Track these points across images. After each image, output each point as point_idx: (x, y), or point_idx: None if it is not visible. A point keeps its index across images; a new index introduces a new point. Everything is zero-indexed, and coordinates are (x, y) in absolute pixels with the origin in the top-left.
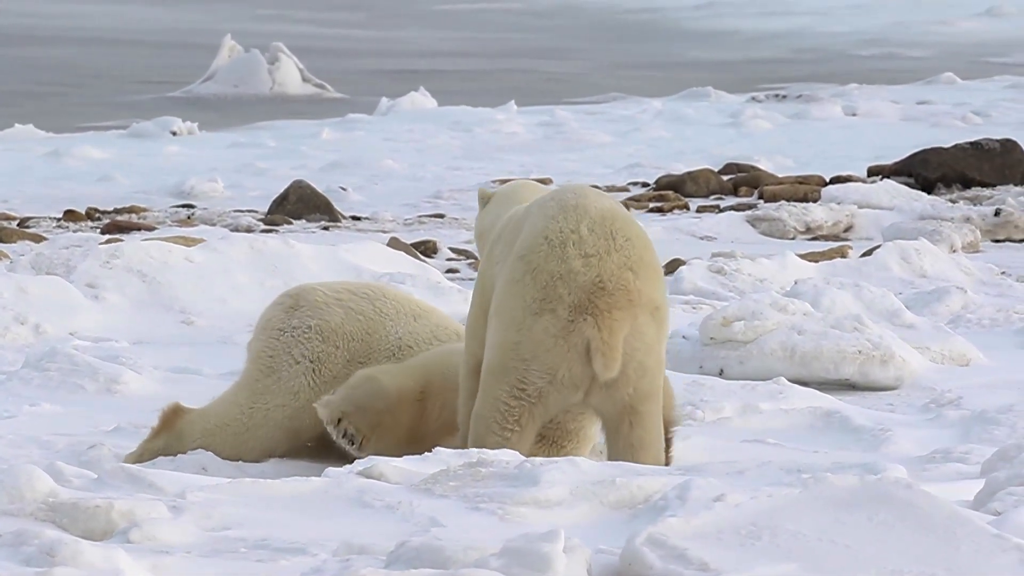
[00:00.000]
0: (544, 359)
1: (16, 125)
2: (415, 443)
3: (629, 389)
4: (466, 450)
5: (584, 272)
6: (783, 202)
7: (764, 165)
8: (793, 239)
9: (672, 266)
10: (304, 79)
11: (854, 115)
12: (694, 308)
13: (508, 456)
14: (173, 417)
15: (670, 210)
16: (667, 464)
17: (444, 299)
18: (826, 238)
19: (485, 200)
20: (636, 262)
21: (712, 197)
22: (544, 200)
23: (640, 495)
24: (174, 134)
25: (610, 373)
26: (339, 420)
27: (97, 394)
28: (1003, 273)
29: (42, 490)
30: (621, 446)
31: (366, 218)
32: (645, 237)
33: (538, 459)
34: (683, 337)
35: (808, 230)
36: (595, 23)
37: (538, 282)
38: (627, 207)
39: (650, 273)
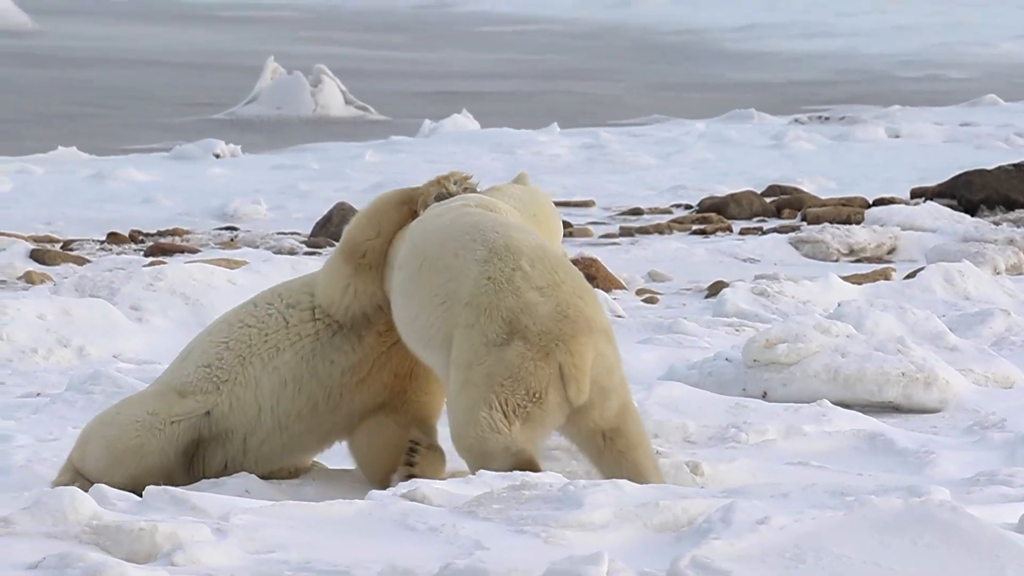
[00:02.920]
0: (528, 382)
1: (59, 147)
2: None
3: (595, 413)
4: (510, 473)
5: (543, 303)
6: (826, 224)
7: (807, 187)
8: (836, 261)
9: (715, 288)
10: (347, 101)
11: (897, 137)
12: (737, 330)
13: (552, 479)
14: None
15: (713, 232)
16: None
17: None
18: (869, 260)
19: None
20: (582, 291)
21: (755, 219)
22: (462, 241)
23: (684, 517)
24: (217, 156)
25: (582, 398)
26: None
27: None
28: None
29: (86, 513)
30: (608, 461)
31: None
32: (575, 271)
33: (581, 481)
34: (726, 359)
35: (851, 252)
36: (638, 45)
37: (496, 319)
38: (670, 229)
39: (594, 300)
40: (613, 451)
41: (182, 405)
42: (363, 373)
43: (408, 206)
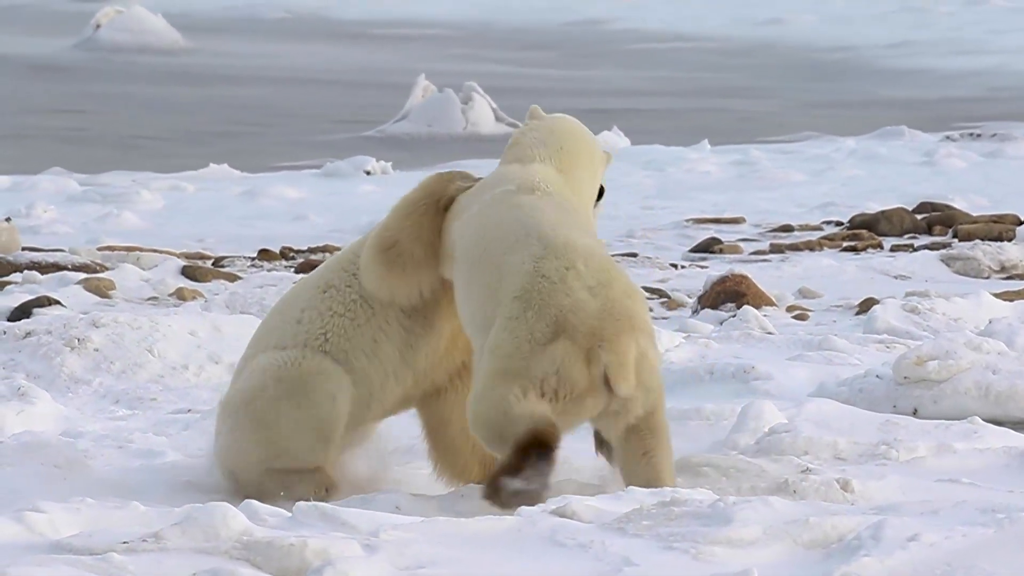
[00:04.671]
0: (569, 379)
1: (211, 165)
2: None
3: (639, 410)
4: (659, 489)
5: (591, 302)
6: (977, 241)
7: (958, 204)
8: (988, 278)
9: (866, 305)
10: (497, 119)
11: None
12: (888, 347)
13: (701, 495)
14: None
15: (864, 249)
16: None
17: None
18: (1021, 277)
19: (533, 117)
20: (631, 290)
21: (906, 236)
22: (519, 236)
23: (834, 534)
24: (368, 173)
25: (628, 392)
26: None
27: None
28: None
29: (237, 528)
30: (630, 459)
31: None
32: (624, 271)
33: (731, 498)
34: (877, 376)
35: (1003, 269)
36: (788, 62)
37: (545, 316)
38: (820, 246)
39: (642, 300)
40: (638, 449)
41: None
42: (440, 352)
43: (435, 200)
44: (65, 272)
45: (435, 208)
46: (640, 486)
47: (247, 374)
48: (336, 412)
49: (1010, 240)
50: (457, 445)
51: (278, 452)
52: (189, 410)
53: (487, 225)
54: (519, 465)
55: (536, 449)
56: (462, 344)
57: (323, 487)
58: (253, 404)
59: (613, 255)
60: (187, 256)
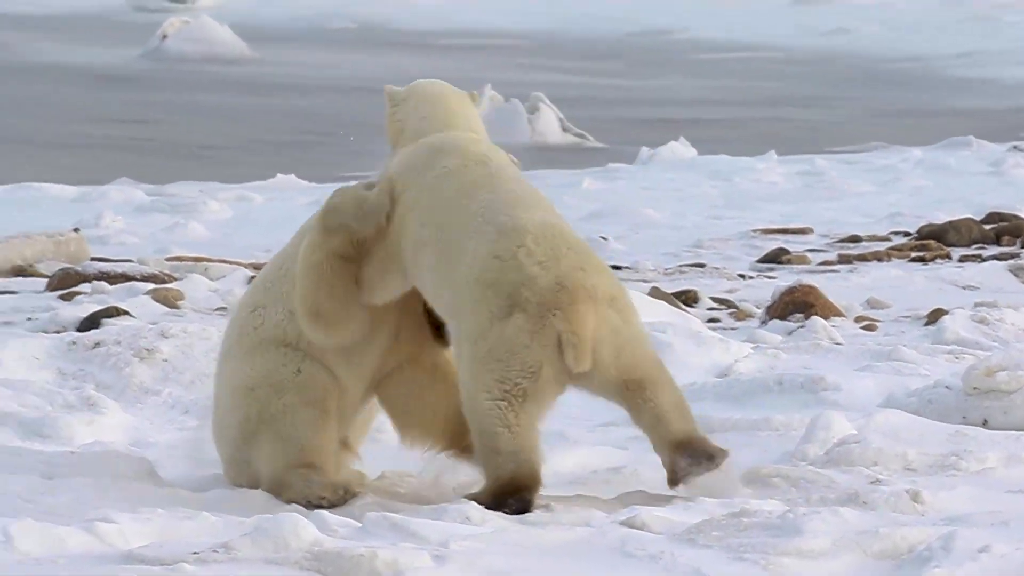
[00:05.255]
0: (523, 356)
1: (278, 175)
2: None
3: (611, 371)
4: (729, 500)
5: (543, 275)
6: None
7: None
8: None
9: (934, 316)
10: (564, 129)
11: None
12: (957, 358)
13: (771, 506)
14: None
15: (932, 259)
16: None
17: (705, 348)
18: None
19: (396, 102)
20: (585, 263)
21: (974, 246)
22: (474, 221)
23: (904, 545)
24: None
25: (583, 366)
26: None
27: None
28: None
29: (307, 539)
30: (635, 409)
31: (627, 267)
32: (583, 244)
33: (801, 509)
34: (946, 387)
35: None
36: (855, 72)
37: (500, 292)
38: (888, 256)
39: (600, 270)
40: (639, 399)
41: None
42: (386, 351)
43: (339, 256)
44: (133, 282)
45: (341, 262)
46: (652, 439)
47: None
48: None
49: None
50: (421, 423)
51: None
52: None
53: (443, 209)
54: (495, 505)
55: (514, 496)
56: (404, 337)
57: (341, 489)
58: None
59: (681, 265)
60: (254, 266)
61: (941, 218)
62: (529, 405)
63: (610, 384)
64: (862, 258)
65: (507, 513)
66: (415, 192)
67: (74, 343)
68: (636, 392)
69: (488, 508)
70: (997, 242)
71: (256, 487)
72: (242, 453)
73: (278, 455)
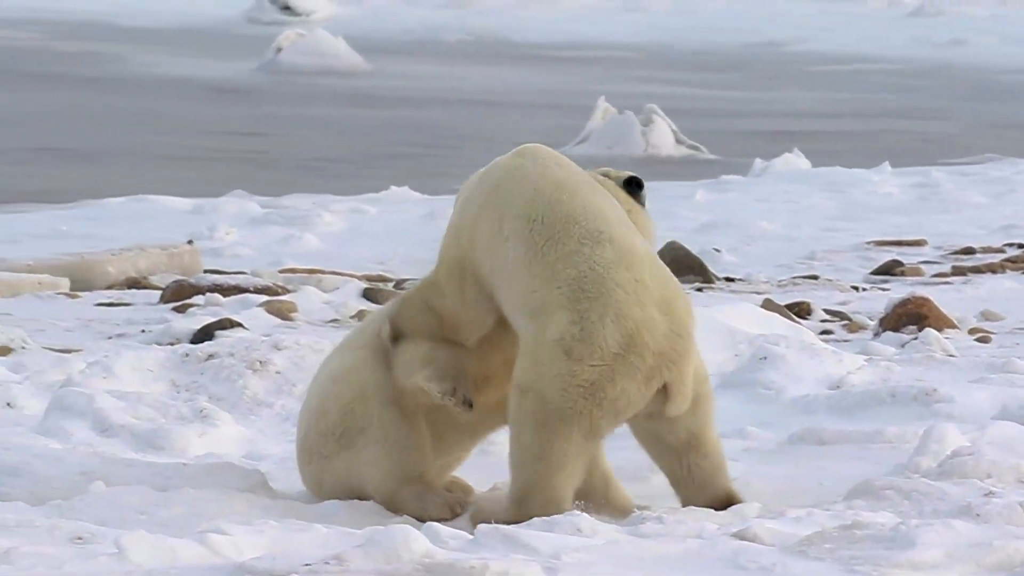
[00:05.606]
0: (631, 398)
1: (392, 187)
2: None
3: (693, 418)
4: (840, 512)
5: (662, 321)
6: None
7: None
8: None
9: None
10: (677, 141)
11: None
12: None
13: (884, 519)
14: None
15: None
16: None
17: (818, 361)
18: None
19: None
20: (689, 305)
21: None
22: (586, 228)
23: (1018, 558)
24: None
25: (683, 410)
26: (454, 390)
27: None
28: None
29: (418, 550)
30: (684, 465)
31: (739, 279)
32: (672, 275)
33: (913, 521)
34: None
35: None
36: (970, 83)
37: (621, 328)
38: (1003, 268)
39: (689, 305)
40: (691, 454)
41: None
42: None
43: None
44: (247, 294)
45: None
46: (695, 502)
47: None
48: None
49: None
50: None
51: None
52: None
53: (526, 200)
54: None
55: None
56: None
57: (458, 507)
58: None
59: (794, 277)
60: (368, 279)
61: None
62: (595, 442)
63: (677, 431)
64: (976, 270)
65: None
66: (477, 203)
67: (187, 355)
68: (686, 442)
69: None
70: None
71: (343, 492)
72: (341, 460)
73: (385, 468)
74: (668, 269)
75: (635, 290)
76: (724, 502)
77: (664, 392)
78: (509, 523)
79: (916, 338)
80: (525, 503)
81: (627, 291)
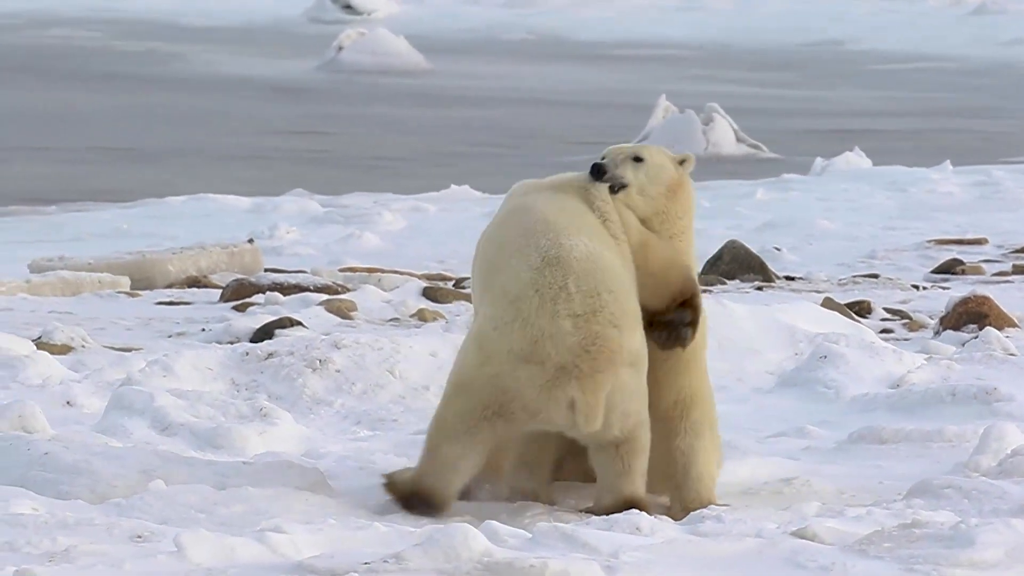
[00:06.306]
0: (525, 402)
1: (452, 186)
2: None
3: (615, 431)
4: (900, 510)
5: (572, 333)
6: None
7: None
8: None
9: None
10: (738, 139)
11: None
12: None
13: (943, 518)
14: None
15: None
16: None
17: (878, 359)
18: None
19: None
20: (620, 316)
21: None
22: (519, 244)
23: None
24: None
25: (592, 428)
26: None
27: None
28: None
29: (477, 549)
30: (610, 461)
31: (800, 278)
32: (624, 279)
33: (973, 520)
34: None
35: None
36: None
37: (527, 335)
38: None
39: (632, 323)
40: (615, 455)
41: None
42: None
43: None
44: (307, 293)
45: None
46: (607, 502)
47: None
48: None
49: None
50: None
51: None
52: None
53: (494, 231)
54: (406, 505)
55: (419, 501)
56: None
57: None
58: None
59: (855, 276)
60: (428, 277)
61: None
62: (505, 427)
63: (603, 439)
64: None
65: (414, 513)
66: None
67: (247, 354)
68: (618, 448)
69: (398, 500)
70: None
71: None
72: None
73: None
74: (610, 266)
75: (553, 298)
76: (622, 507)
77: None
78: (405, 484)
79: (976, 337)
80: (417, 467)
81: (544, 298)
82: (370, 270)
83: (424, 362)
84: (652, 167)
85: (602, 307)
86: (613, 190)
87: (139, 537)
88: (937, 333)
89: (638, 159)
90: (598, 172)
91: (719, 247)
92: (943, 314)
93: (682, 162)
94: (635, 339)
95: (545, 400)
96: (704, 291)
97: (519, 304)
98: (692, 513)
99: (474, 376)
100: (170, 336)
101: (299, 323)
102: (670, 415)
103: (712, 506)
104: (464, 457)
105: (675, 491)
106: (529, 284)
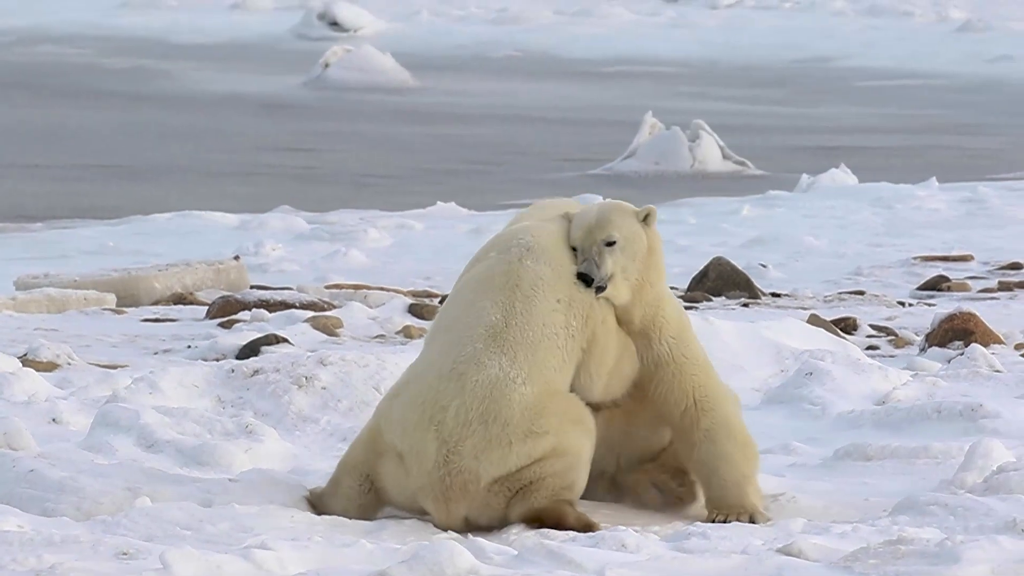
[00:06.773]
0: (390, 496)
1: (439, 203)
2: None
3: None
4: (885, 527)
5: (433, 457)
6: None
7: None
8: None
9: None
10: (724, 156)
11: None
12: None
13: (929, 534)
14: None
15: None
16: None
17: (864, 376)
18: None
19: None
20: (484, 449)
21: None
22: (457, 335)
23: None
24: None
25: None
26: None
27: None
28: None
29: (463, 566)
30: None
31: (786, 295)
32: (523, 407)
33: (959, 537)
34: None
35: None
36: (1017, 99)
37: (405, 440)
38: None
39: (506, 440)
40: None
41: None
42: None
43: None
44: (293, 310)
45: None
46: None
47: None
48: None
49: None
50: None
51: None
52: None
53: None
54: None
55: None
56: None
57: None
58: None
59: (840, 292)
60: (414, 294)
61: None
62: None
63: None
64: (1023, 285)
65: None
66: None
67: (233, 371)
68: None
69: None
70: None
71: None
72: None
73: None
74: (518, 410)
75: (432, 416)
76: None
77: None
78: (316, 499)
79: (962, 354)
80: (324, 488)
81: (425, 413)
82: (356, 287)
83: None
84: (626, 244)
85: (468, 437)
86: (601, 289)
87: (125, 554)
88: (923, 350)
89: (610, 243)
90: (587, 282)
91: (705, 264)
92: (929, 331)
93: (646, 217)
94: (504, 459)
95: (406, 500)
96: (690, 308)
97: (414, 405)
98: (679, 530)
99: (370, 438)
100: (156, 353)
101: (285, 340)
102: (684, 426)
103: (754, 514)
104: (363, 495)
105: (709, 503)
106: (428, 389)
